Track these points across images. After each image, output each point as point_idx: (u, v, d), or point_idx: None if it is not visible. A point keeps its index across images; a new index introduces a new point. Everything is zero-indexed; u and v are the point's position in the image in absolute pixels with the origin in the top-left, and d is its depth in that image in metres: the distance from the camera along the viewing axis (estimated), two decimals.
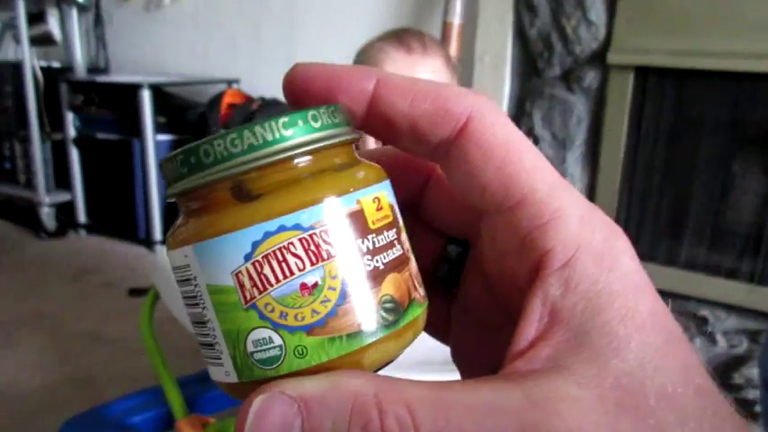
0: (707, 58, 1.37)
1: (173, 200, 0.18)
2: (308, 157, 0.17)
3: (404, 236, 0.19)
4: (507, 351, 0.17)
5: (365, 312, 0.16)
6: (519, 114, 1.67)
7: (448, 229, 0.22)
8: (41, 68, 2.56)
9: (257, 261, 0.16)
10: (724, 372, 1.45)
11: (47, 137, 2.58)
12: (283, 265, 0.16)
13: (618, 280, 0.16)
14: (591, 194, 1.59)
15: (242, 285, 0.16)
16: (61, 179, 2.66)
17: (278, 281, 0.16)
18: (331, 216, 0.16)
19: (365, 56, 0.98)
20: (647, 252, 1.53)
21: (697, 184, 1.45)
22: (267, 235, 0.16)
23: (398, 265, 0.18)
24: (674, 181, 1.48)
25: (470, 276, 0.22)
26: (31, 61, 2.47)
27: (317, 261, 0.16)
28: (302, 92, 0.19)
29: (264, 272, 0.16)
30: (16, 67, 2.51)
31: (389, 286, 0.17)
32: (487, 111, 0.18)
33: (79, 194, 2.62)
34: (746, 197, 1.40)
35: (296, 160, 0.17)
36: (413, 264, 0.19)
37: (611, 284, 0.16)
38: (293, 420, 0.15)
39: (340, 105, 0.18)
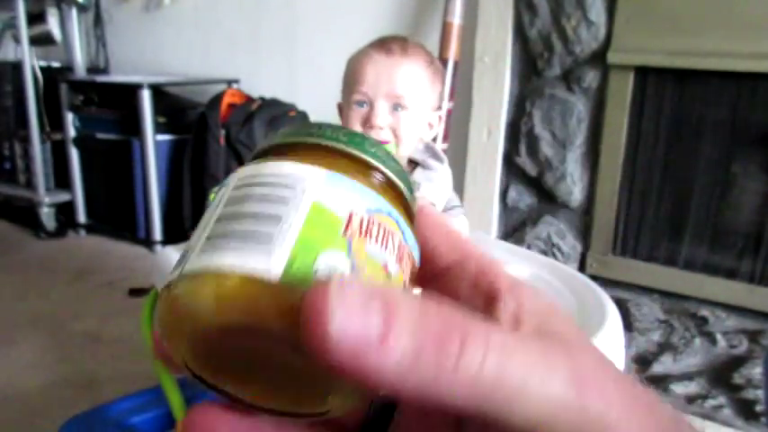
0: (707, 58, 1.37)
1: (327, 144, 0.20)
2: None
3: None
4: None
5: None
6: (519, 114, 1.67)
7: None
8: (41, 68, 2.56)
9: (372, 218, 0.18)
10: (724, 372, 1.45)
11: (47, 137, 2.58)
12: (386, 238, 0.18)
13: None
14: (591, 194, 1.59)
15: (350, 222, 0.18)
16: (61, 179, 2.66)
17: (377, 243, 0.18)
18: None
19: (352, 60, 1.06)
20: (647, 252, 1.53)
21: (697, 184, 1.45)
22: (382, 210, 0.19)
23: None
24: (674, 181, 1.48)
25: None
26: (31, 61, 2.47)
27: (401, 262, 0.19)
28: None
29: (372, 230, 0.18)
30: (16, 67, 2.51)
31: None
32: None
33: (79, 194, 2.62)
34: (746, 197, 1.40)
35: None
36: None
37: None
38: (371, 301, 0.16)
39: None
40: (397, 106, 1.01)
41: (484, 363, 0.15)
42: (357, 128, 1.03)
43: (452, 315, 0.16)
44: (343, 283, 0.15)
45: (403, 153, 1.03)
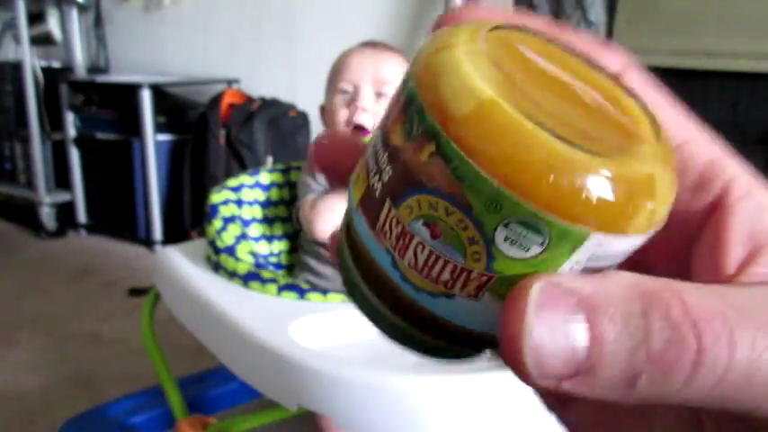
0: (707, 58, 1.37)
1: None
2: None
3: None
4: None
5: None
6: None
7: None
8: (41, 68, 2.56)
9: None
10: None
11: (47, 137, 2.58)
12: None
13: None
14: None
15: None
16: (61, 179, 2.66)
17: None
18: None
19: (337, 59, 1.10)
20: None
21: None
22: None
23: None
24: None
25: None
26: (31, 61, 2.47)
27: None
28: None
29: None
30: (16, 67, 2.51)
31: None
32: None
33: (79, 194, 2.62)
34: None
35: None
36: None
37: None
38: (575, 316, 0.13)
39: None
40: (380, 93, 1.05)
41: (730, 364, 0.12)
42: (342, 112, 1.05)
43: (674, 307, 0.12)
44: (546, 289, 0.13)
45: None
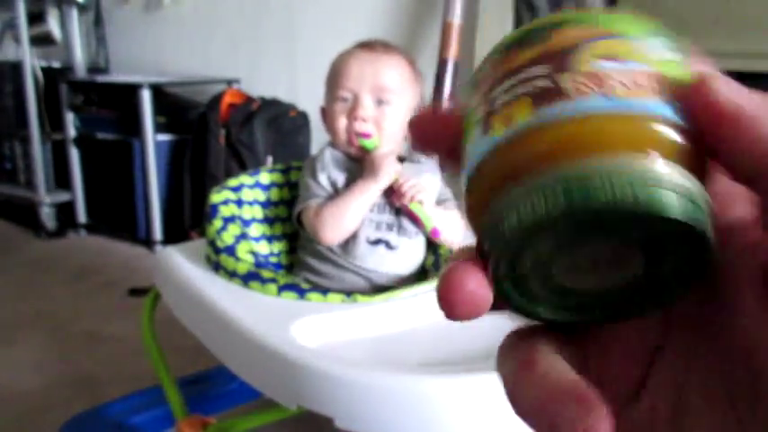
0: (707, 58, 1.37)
1: None
2: None
3: None
4: None
5: None
6: None
7: None
8: (41, 68, 2.56)
9: None
10: None
11: (47, 137, 2.58)
12: None
13: None
14: None
15: None
16: (61, 179, 2.66)
17: None
18: None
19: (335, 61, 1.09)
20: None
21: None
22: None
23: None
24: None
25: None
26: (31, 61, 2.47)
27: None
28: None
29: None
30: (16, 67, 2.51)
31: None
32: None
33: (79, 194, 2.62)
34: None
35: None
36: None
37: None
38: None
39: None
40: (381, 101, 1.03)
41: None
42: (341, 120, 1.04)
43: None
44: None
45: (386, 148, 1.04)
